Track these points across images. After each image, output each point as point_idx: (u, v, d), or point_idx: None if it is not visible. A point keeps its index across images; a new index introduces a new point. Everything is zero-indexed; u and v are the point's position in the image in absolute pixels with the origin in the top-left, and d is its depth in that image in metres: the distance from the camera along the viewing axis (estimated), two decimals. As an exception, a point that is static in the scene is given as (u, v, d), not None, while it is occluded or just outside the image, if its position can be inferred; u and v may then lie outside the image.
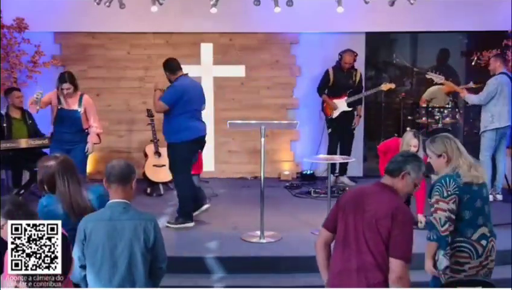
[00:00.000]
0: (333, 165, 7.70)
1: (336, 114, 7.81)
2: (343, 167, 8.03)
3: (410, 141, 5.50)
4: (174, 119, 5.95)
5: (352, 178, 8.01)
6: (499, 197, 6.95)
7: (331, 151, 7.77)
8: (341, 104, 7.81)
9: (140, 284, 3.31)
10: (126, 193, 3.39)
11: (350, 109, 7.83)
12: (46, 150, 7.31)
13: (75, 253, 3.30)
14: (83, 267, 3.32)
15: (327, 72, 7.84)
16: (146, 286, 3.34)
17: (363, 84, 8.14)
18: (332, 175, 7.62)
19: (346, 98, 7.82)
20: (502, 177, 7.02)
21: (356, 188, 3.42)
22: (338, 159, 7.01)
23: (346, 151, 7.79)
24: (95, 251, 3.27)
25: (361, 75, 7.99)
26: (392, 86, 7.93)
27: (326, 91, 7.89)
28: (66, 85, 6.07)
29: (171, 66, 6.11)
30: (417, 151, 5.31)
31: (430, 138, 3.89)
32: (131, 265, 3.28)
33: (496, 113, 6.84)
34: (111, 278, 3.26)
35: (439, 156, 3.75)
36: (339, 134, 7.92)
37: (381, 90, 8.09)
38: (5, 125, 7.01)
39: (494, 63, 7.01)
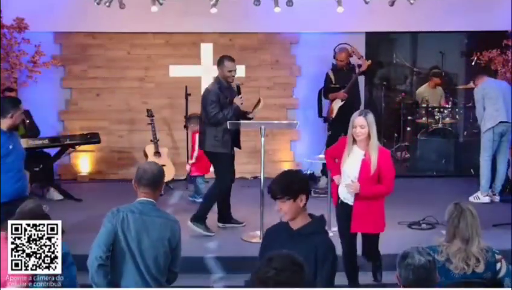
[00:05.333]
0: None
1: (334, 113, 7.72)
2: None
3: (353, 121, 4.34)
4: None
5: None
6: (497, 198, 6.94)
7: None
8: (336, 104, 7.71)
9: (160, 282, 3.40)
10: (155, 196, 3.49)
11: (342, 102, 7.71)
12: (47, 150, 7.33)
13: (99, 243, 3.29)
14: (101, 258, 3.29)
15: (327, 74, 7.67)
16: (162, 286, 3.42)
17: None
18: (325, 177, 7.57)
19: (337, 95, 7.67)
20: (502, 179, 6.98)
21: None
22: None
23: None
24: (123, 241, 3.33)
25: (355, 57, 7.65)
26: (369, 62, 7.49)
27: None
28: None
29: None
30: (365, 129, 4.29)
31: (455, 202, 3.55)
32: (155, 261, 3.36)
33: (486, 116, 6.95)
34: (137, 269, 3.32)
35: (447, 221, 3.48)
36: (339, 134, 7.79)
37: (364, 72, 7.78)
38: None
39: (478, 80, 7.16)
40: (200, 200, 6.82)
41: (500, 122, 6.90)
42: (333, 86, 7.59)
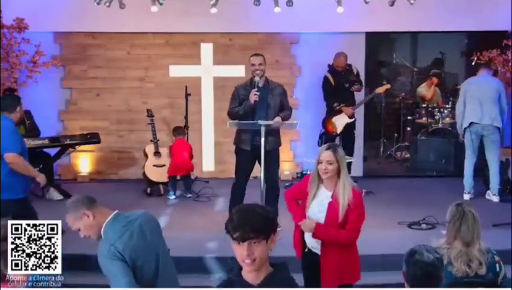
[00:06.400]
0: None
1: (339, 130, 7.70)
2: None
3: (320, 156, 3.71)
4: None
5: (352, 178, 7.93)
6: (495, 198, 6.91)
7: None
8: (342, 120, 7.71)
9: (175, 278, 3.49)
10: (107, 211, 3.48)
11: (353, 119, 7.72)
12: (47, 150, 7.34)
13: (123, 281, 3.21)
14: None
15: (326, 78, 7.71)
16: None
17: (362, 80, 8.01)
18: None
19: (344, 110, 7.70)
20: (496, 178, 6.94)
21: None
22: None
23: (349, 152, 7.65)
24: (137, 266, 3.31)
25: (357, 69, 7.84)
26: (388, 86, 7.80)
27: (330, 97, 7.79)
28: None
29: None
30: (334, 165, 3.69)
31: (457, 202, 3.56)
32: (164, 249, 3.48)
33: (466, 114, 6.97)
34: (161, 269, 3.38)
35: (448, 222, 3.48)
36: (340, 138, 7.77)
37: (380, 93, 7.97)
38: None
39: (479, 72, 7.17)
40: (189, 195, 7.26)
41: (472, 122, 6.88)
42: (334, 97, 7.66)
